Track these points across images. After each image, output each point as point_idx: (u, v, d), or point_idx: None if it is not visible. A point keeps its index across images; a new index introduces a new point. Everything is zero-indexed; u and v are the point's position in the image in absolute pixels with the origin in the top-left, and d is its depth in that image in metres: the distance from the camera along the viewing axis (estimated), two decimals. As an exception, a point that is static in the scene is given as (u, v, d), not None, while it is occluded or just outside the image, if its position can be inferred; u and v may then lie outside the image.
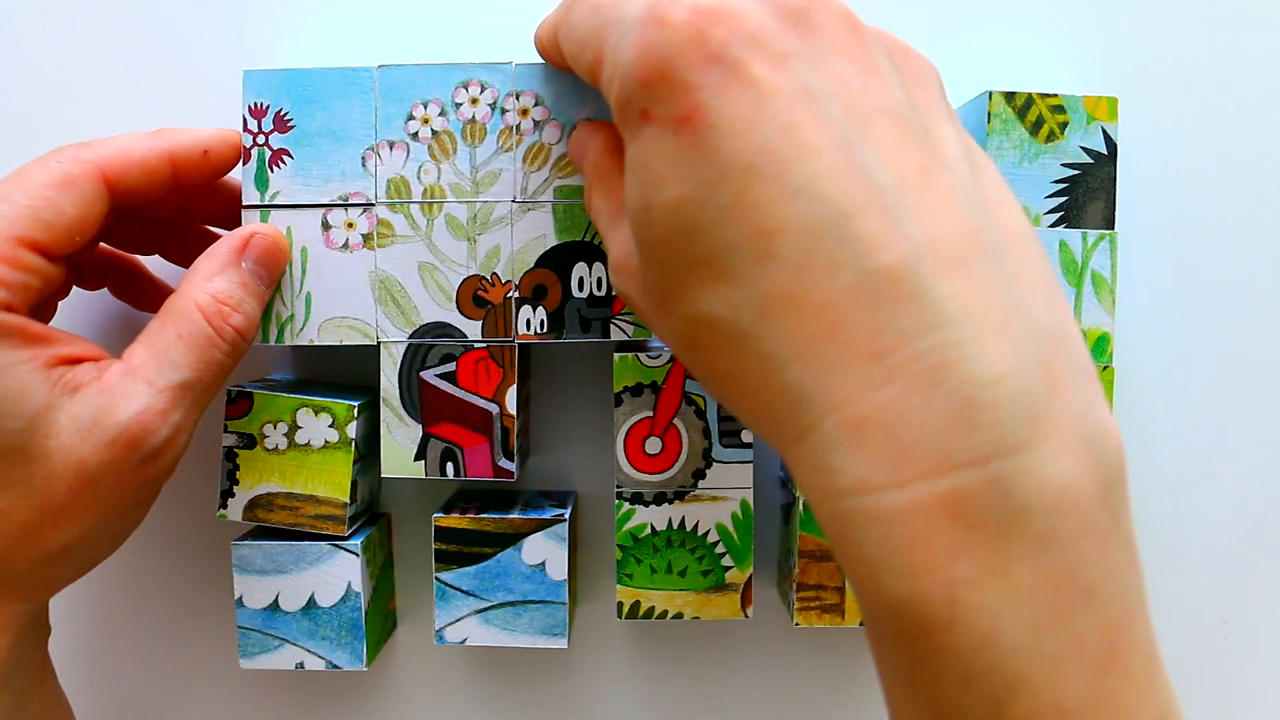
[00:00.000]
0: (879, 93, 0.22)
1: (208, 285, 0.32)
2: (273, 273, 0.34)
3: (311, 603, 0.35)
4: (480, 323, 0.35)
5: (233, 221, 0.36)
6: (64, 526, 0.29)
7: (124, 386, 0.30)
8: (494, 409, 0.35)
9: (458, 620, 0.36)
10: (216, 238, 0.36)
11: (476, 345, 0.35)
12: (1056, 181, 0.36)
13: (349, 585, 0.35)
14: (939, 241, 0.20)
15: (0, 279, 0.29)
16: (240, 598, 0.35)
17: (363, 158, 0.35)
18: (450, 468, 0.35)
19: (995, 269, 0.21)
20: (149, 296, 0.38)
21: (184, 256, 0.38)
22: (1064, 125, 0.36)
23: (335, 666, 0.35)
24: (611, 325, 0.35)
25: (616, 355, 0.35)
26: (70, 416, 0.29)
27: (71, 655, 0.40)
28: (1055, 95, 0.36)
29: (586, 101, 0.35)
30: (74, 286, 0.36)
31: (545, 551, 0.35)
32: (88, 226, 0.31)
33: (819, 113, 0.21)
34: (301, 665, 0.35)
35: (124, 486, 0.30)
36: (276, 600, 0.35)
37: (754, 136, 0.21)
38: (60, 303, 0.36)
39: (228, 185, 0.37)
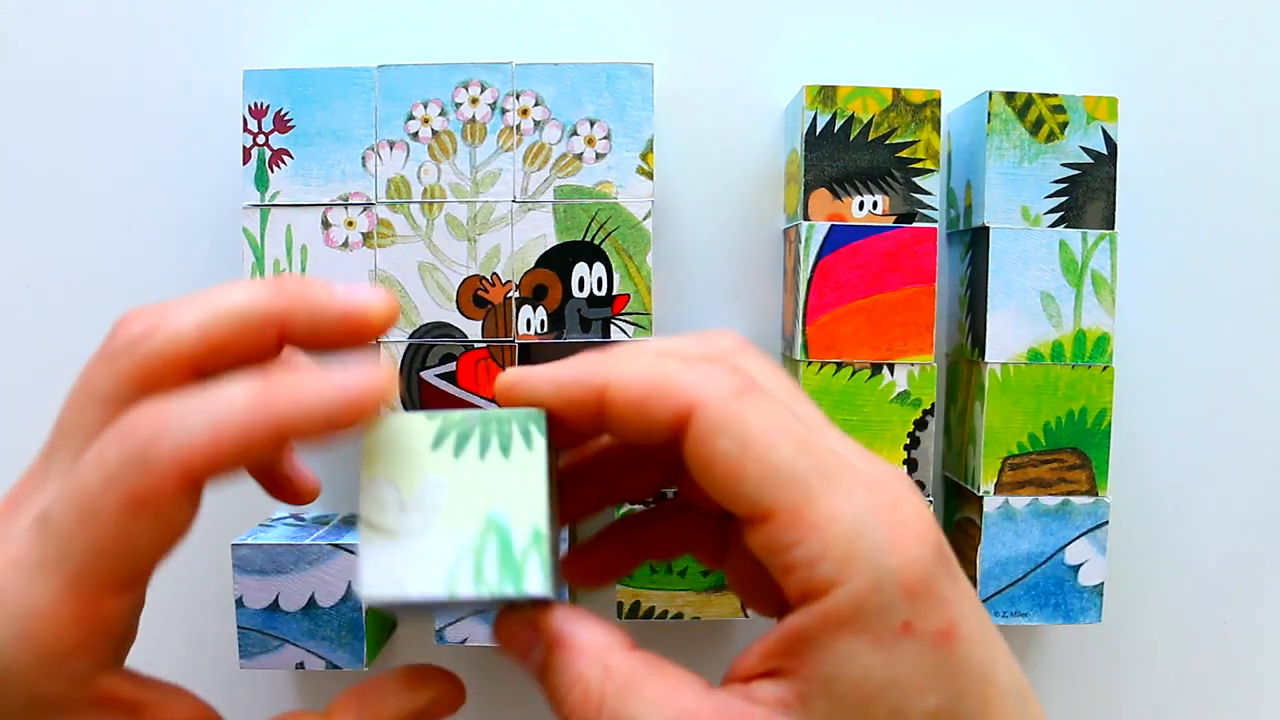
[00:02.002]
0: None
1: None
2: None
3: (311, 603, 0.35)
4: (480, 323, 0.35)
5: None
6: None
7: None
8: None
9: (458, 620, 0.36)
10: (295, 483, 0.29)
11: (477, 345, 0.35)
12: (1056, 181, 0.36)
13: (349, 585, 0.35)
14: None
15: (76, 645, 0.22)
16: (240, 598, 0.35)
17: (363, 157, 0.35)
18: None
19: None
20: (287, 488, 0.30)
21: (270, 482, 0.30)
22: (1064, 125, 0.36)
23: (335, 666, 0.35)
24: (612, 325, 0.35)
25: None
26: None
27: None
28: (1055, 95, 0.36)
29: (586, 102, 0.35)
30: None
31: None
32: (173, 541, 0.22)
33: (994, 637, 0.23)
34: (302, 665, 0.35)
35: None
36: (276, 600, 0.35)
37: (982, 645, 0.22)
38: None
39: None
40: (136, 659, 0.41)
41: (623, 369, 0.23)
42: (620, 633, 0.23)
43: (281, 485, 0.30)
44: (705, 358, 0.24)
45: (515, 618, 0.23)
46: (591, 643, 0.23)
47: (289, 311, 0.23)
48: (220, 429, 0.21)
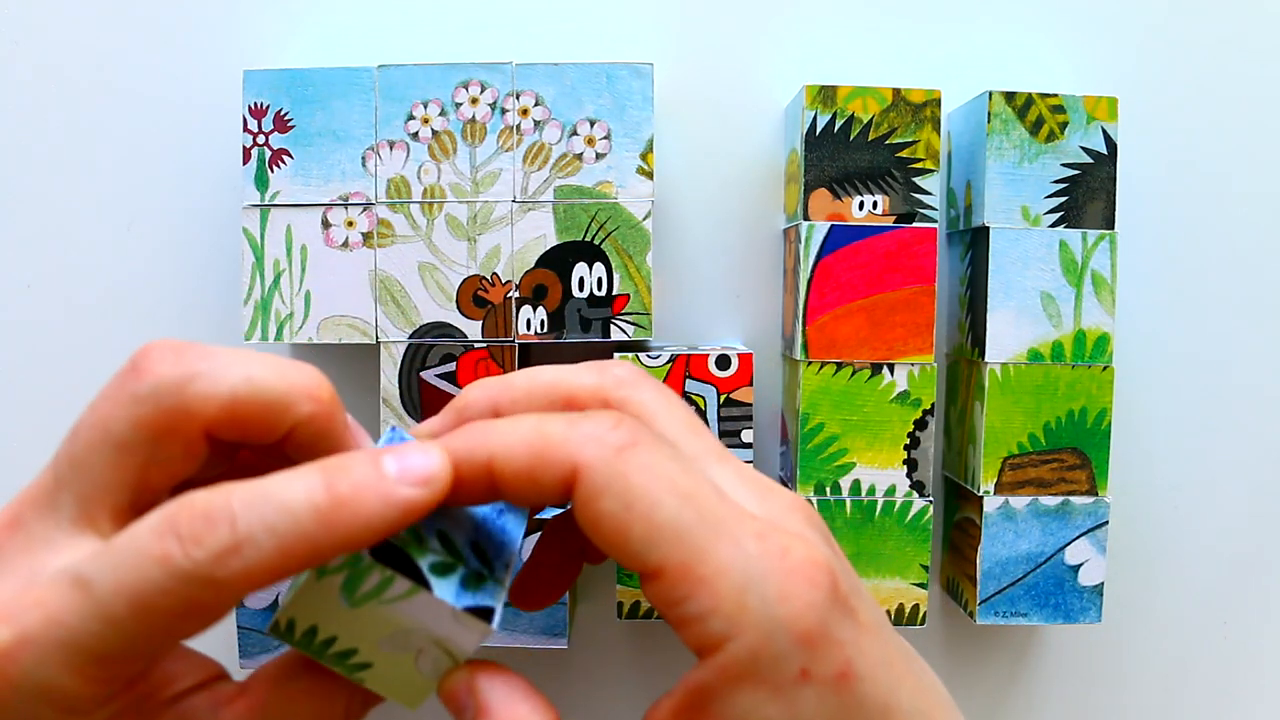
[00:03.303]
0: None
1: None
2: None
3: None
4: (480, 323, 0.35)
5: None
6: None
7: None
8: (494, 409, 0.35)
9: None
10: None
11: (477, 345, 0.35)
12: (1056, 181, 0.36)
13: None
14: None
15: (89, 695, 0.22)
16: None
17: (363, 157, 0.35)
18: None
19: None
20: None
21: None
22: (1064, 125, 0.36)
23: (335, 666, 0.35)
24: (612, 325, 0.35)
25: (617, 355, 0.35)
26: None
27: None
28: (1055, 95, 0.36)
29: (586, 102, 0.35)
30: None
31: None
32: (206, 630, 0.23)
33: (889, 636, 0.24)
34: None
35: None
36: (277, 600, 0.35)
37: (881, 678, 0.23)
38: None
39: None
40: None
41: (505, 439, 0.23)
42: (543, 710, 0.24)
43: None
44: (591, 410, 0.24)
45: (458, 677, 0.24)
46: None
47: (334, 522, 0.22)
48: (288, 549, 0.21)
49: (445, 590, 0.23)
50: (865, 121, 0.36)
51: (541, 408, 0.25)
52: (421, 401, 0.35)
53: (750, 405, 0.35)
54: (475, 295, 0.35)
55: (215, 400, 0.22)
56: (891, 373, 0.36)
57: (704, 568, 0.21)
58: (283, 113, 0.35)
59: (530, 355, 0.40)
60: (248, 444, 0.24)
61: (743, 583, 0.21)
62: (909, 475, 0.36)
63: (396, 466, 0.22)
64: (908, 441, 0.36)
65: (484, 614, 0.23)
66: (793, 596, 0.21)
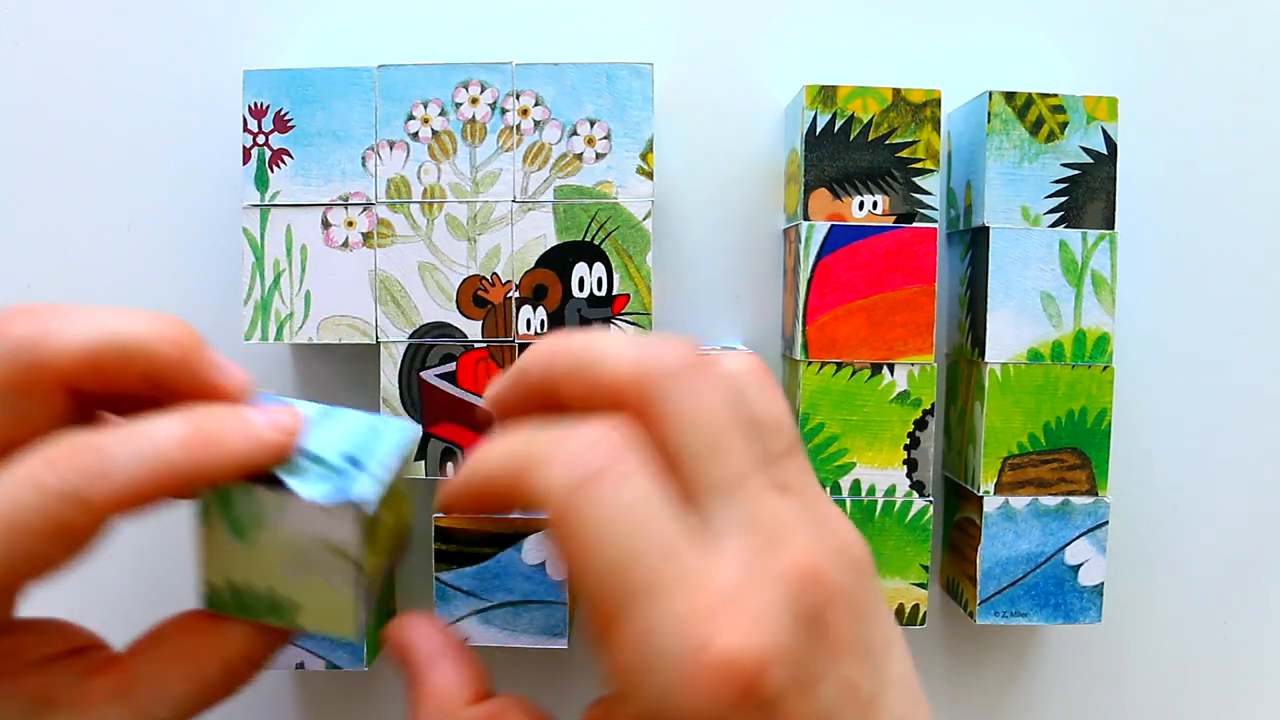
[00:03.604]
0: (870, 678, 0.22)
1: (246, 641, 0.27)
2: None
3: None
4: (480, 323, 0.35)
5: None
6: None
7: (105, 712, 0.25)
8: (494, 409, 0.35)
9: (458, 620, 0.36)
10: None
11: (477, 345, 0.35)
12: (1056, 181, 0.36)
13: None
14: None
15: None
16: None
17: (363, 157, 0.35)
18: (450, 467, 0.35)
19: None
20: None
21: None
22: (1064, 125, 0.36)
23: (335, 666, 0.35)
24: (612, 325, 0.35)
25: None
26: None
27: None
28: (1055, 95, 0.36)
29: (586, 102, 0.35)
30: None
31: (545, 551, 0.35)
32: (76, 559, 0.24)
33: None
34: (302, 665, 0.35)
35: None
36: None
37: None
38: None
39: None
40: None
41: (489, 465, 0.23)
42: (471, 680, 0.25)
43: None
44: (594, 416, 0.22)
45: (391, 631, 0.26)
46: (439, 693, 0.25)
47: (206, 455, 0.23)
48: (154, 474, 0.23)
49: (307, 489, 0.24)
50: (865, 121, 0.36)
51: (578, 391, 0.23)
52: (422, 401, 0.35)
53: (750, 405, 0.35)
54: (475, 295, 0.35)
55: (70, 352, 0.23)
56: (891, 373, 0.36)
57: (621, 631, 0.20)
58: (283, 113, 0.35)
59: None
60: (115, 394, 0.25)
61: (647, 663, 0.20)
62: (909, 475, 0.36)
63: (260, 415, 0.24)
64: (908, 441, 0.36)
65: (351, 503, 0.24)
66: (690, 693, 0.20)
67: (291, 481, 0.24)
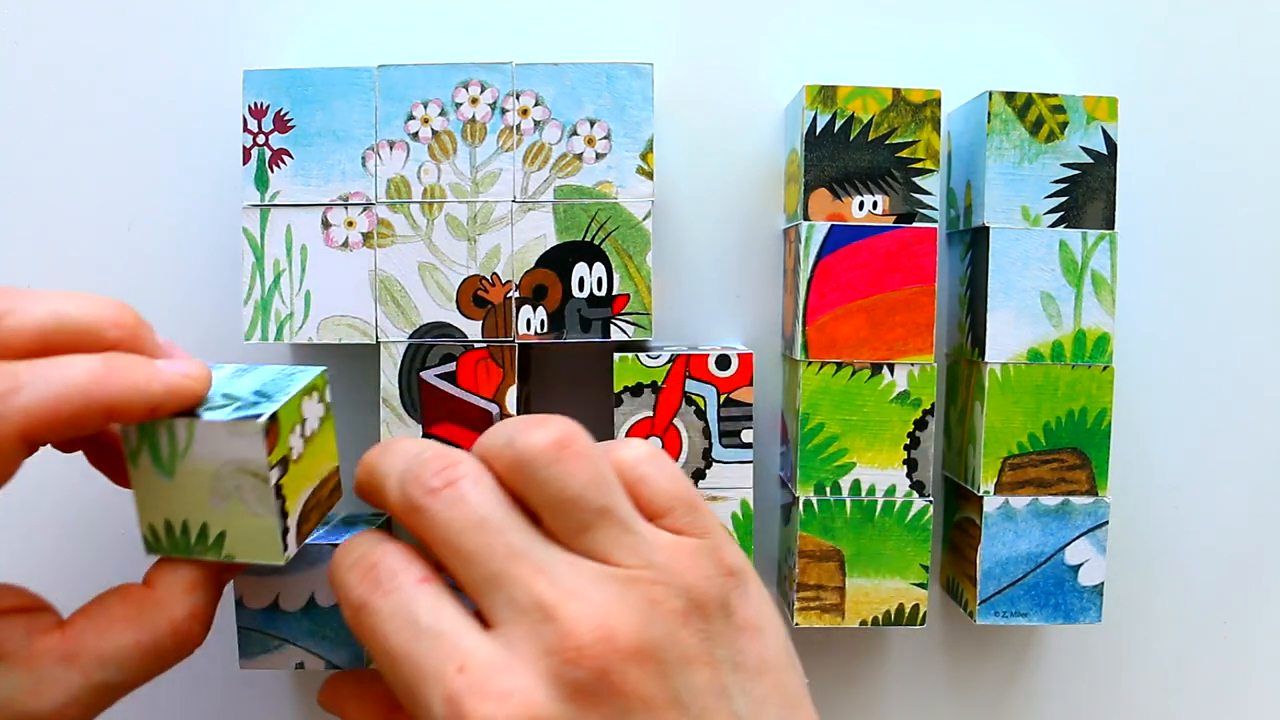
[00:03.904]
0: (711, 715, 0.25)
1: (189, 599, 0.28)
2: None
3: (311, 603, 0.35)
4: (480, 323, 0.35)
5: None
6: None
7: (54, 673, 0.26)
8: (494, 409, 0.35)
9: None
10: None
11: (476, 345, 0.35)
12: (1056, 181, 0.36)
13: None
14: None
15: None
16: (239, 598, 0.35)
17: (363, 157, 0.35)
18: (450, 468, 0.35)
19: None
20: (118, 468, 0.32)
21: (107, 463, 0.32)
22: (1064, 125, 0.36)
23: (335, 666, 0.35)
24: (612, 325, 0.35)
25: (617, 355, 0.35)
26: None
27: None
28: (1055, 95, 0.36)
29: (586, 102, 0.35)
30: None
31: None
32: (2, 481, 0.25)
33: None
34: (301, 665, 0.35)
35: None
36: (276, 600, 0.35)
37: None
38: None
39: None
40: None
41: (381, 468, 0.28)
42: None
43: (111, 464, 0.32)
44: (444, 458, 0.26)
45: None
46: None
47: (113, 386, 0.25)
48: (62, 397, 0.24)
49: (216, 415, 0.26)
50: (865, 121, 0.36)
51: (372, 501, 0.29)
52: (421, 401, 0.35)
53: (750, 405, 0.35)
54: (475, 295, 0.35)
55: (25, 333, 0.25)
56: (891, 373, 0.36)
57: (410, 708, 0.24)
58: (283, 113, 0.35)
59: (530, 355, 0.40)
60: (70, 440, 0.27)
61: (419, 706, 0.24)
62: (909, 475, 0.36)
63: (169, 364, 0.27)
64: (908, 441, 0.36)
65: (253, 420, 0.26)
66: None
67: (203, 412, 0.27)
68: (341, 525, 0.36)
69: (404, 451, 0.27)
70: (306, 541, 0.35)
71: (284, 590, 0.35)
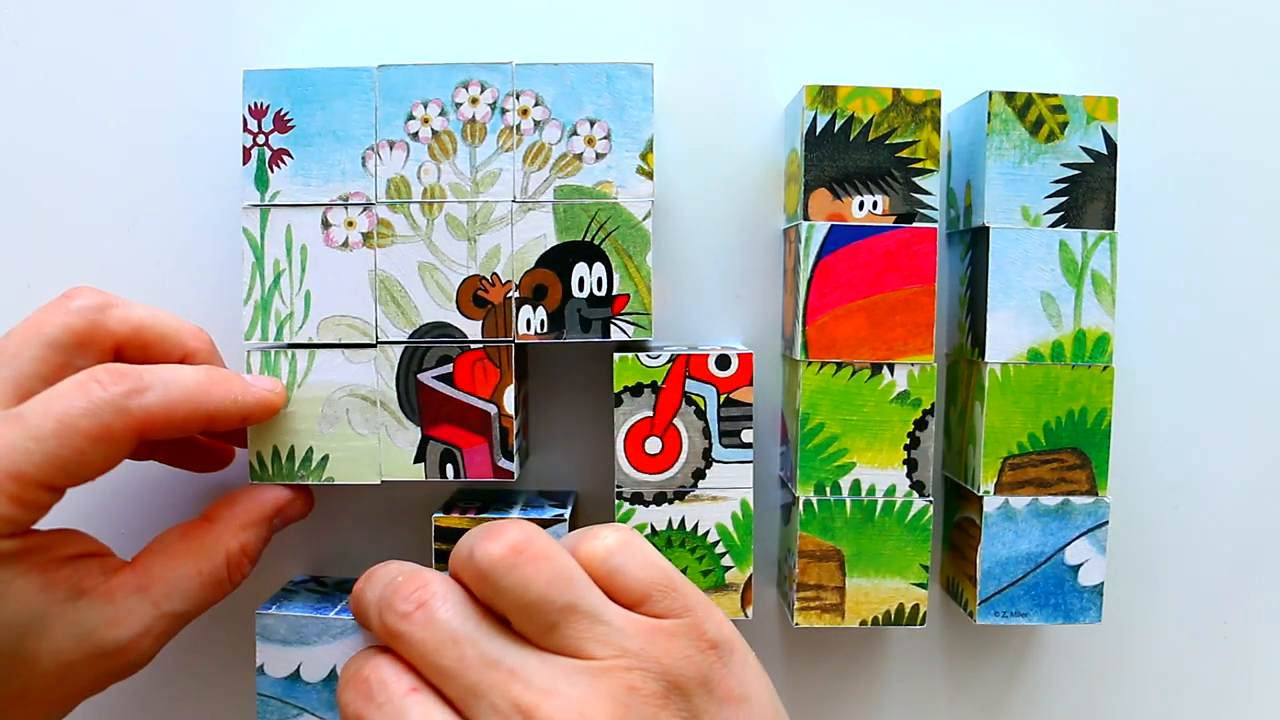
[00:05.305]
0: None
1: (242, 535, 0.33)
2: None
3: (333, 675, 0.34)
4: (480, 323, 0.35)
5: (236, 438, 0.36)
6: (27, 712, 0.29)
7: (129, 604, 0.29)
8: (492, 409, 0.35)
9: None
10: (217, 448, 0.37)
11: (473, 346, 0.35)
12: (1056, 181, 0.36)
13: None
14: None
15: (9, 517, 0.27)
16: (262, 665, 0.35)
17: (363, 157, 0.35)
18: (450, 469, 0.35)
19: None
20: (198, 458, 0.37)
21: (178, 458, 0.37)
22: (1064, 125, 0.36)
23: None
24: (612, 325, 0.35)
25: (617, 355, 0.35)
26: (68, 622, 0.28)
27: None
28: (1055, 95, 0.36)
29: (586, 102, 0.35)
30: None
31: None
32: (107, 470, 0.29)
33: None
34: (301, 665, 0.35)
35: (96, 686, 0.30)
36: (298, 670, 0.34)
37: None
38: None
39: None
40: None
41: (371, 594, 0.29)
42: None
43: (199, 457, 0.37)
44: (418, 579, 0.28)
45: None
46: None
47: (215, 396, 0.31)
48: (178, 401, 0.29)
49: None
50: (865, 121, 0.36)
51: (363, 623, 0.30)
52: (420, 403, 0.35)
53: (750, 405, 0.35)
54: (475, 295, 0.35)
55: (127, 324, 0.31)
56: (891, 373, 0.36)
57: None
58: (283, 113, 0.35)
59: (528, 355, 0.40)
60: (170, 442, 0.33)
61: None
62: (909, 475, 0.36)
63: (254, 378, 0.33)
64: (908, 441, 0.36)
65: None
66: None
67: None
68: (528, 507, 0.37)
69: (381, 579, 0.29)
70: (331, 615, 0.35)
71: (306, 661, 0.35)
